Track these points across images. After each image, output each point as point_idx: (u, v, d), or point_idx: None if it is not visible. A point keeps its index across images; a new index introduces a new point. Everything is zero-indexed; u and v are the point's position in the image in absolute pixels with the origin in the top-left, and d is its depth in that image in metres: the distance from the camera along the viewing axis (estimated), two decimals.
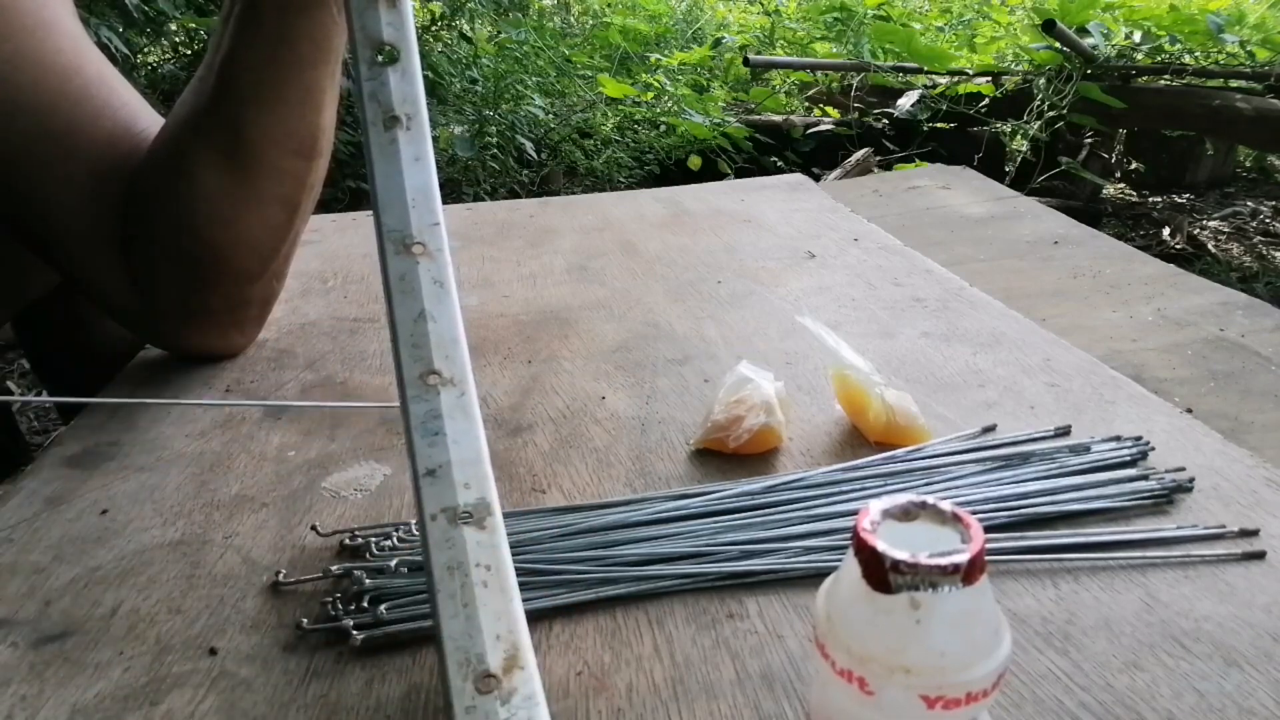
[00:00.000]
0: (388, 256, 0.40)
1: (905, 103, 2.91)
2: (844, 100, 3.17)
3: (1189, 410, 0.65)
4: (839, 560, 0.47)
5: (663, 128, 3.05)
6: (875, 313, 0.81)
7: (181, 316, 0.71)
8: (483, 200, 2.52)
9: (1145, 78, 2.78)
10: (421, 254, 0.41)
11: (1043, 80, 2.73)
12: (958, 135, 2.85)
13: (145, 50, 2.51)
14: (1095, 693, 0.40)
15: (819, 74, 3.34)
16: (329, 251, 1.03)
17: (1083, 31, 2.70)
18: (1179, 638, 0.43)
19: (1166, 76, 2.75)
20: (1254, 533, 0.49)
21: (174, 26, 2.52)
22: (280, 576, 0.48)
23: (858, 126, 2.92)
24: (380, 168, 0.42)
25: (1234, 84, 2.78)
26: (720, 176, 2.75)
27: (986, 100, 2.85)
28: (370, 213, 0.43)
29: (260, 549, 0.51)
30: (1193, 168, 3.27)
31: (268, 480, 0.58)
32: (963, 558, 0.26)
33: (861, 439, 0.60)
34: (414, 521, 0.52)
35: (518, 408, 0.66)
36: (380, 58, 0.43)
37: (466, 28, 3.15)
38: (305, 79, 0.61)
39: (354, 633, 0.43)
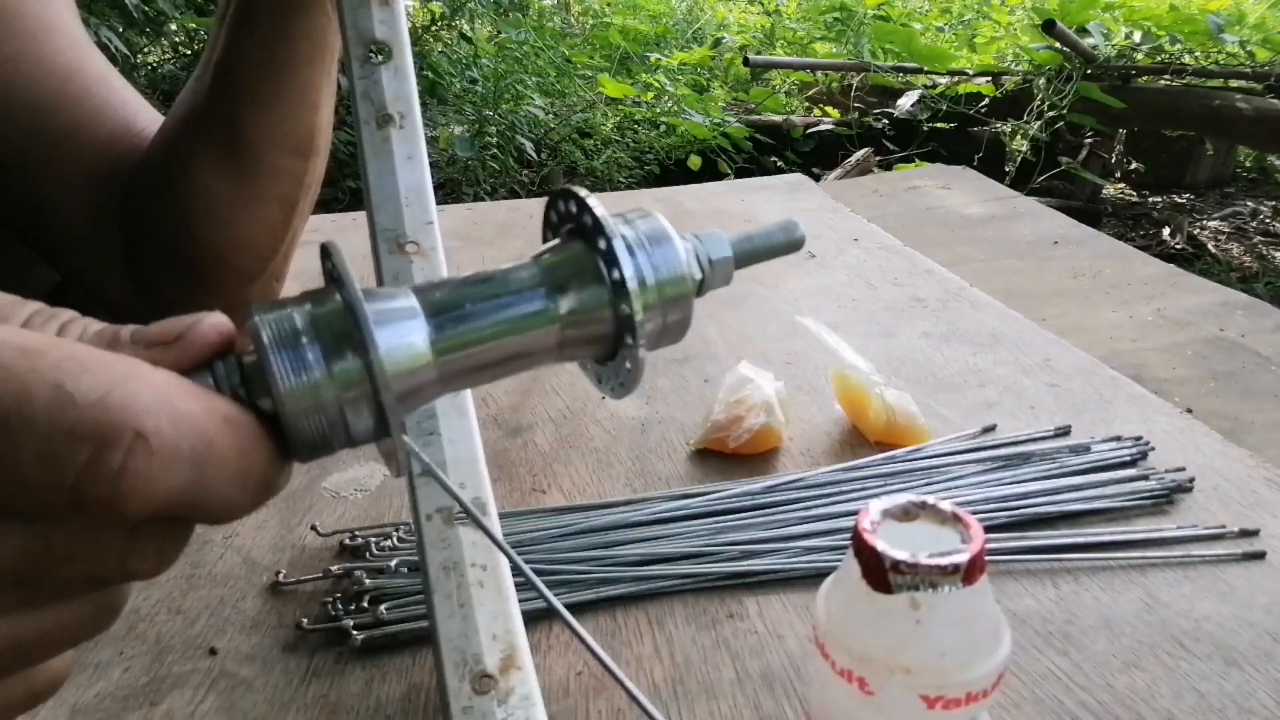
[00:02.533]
0: (381, 255, 0.40)
1: (905, 103, 2.90)
2: (844, 100, 3.17)
3: (1189, 410, 0.65)
4: (839, 560, 0.47)
5: (663, 128, 3.05)
6: (875, 313, 0.81)
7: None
8: (483, 200, 2.52)
9: (1145, 78, 2.77)
10: (415, 253, 0.40)
11: (1043, 80, 2.73)
12: (958, 135, 2.85)
13: (145, 50, 2.51)
14: (1095, 693, 0.40)
15: (819, 74, 3.34)
16: None
17: (1083, 31, 2.70)
18: (1179, 638, 0.43)
19: (1166, 76, 2.75)
20: (1254, 533, 0.49)
21: (174, 26, 2.52)
22: (280, 576, 0.48)
23: (858, 126, 2.92)
24: (373, 166, 0.42)
25: (1234, 84, 2.78)
26: (720, 176, 2.74)
27: (986, 100, 2.85)
28: None
29: (260, 549, 0.51)
30: (1193, 168, 3.27)
31: None
32: (962, 558, 0.26)
33: (861, 439, 0.60)
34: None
35: (518, 408, 0.66)
36: (373, 56, 0.43)
37: (466, 28, 3.15)
38: (301, 77, 0.61)
39: (354, 633, 0.43)
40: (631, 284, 0.23)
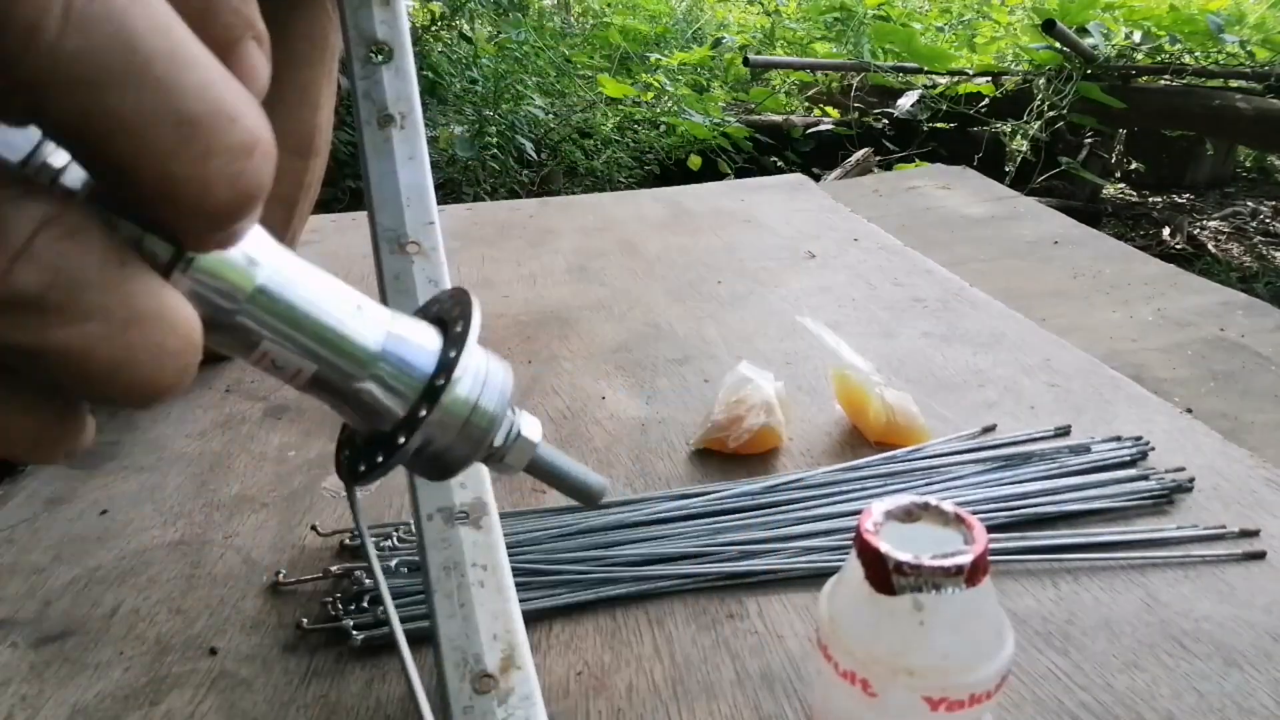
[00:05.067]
0: (382, 255, 0.40)
1: (905, 103, 2.90)
2: (844, 100, 3.17)
3: (1189, 410, 0.65)
4: (839, 560, 0.47)
5: (663, 128, 3.04)
6: (875, 313, 0.81)
7: None
8: (483, 200, 2.51)
9: (1145, 78, 2.77)
10: (416, 253, 0.40)
11: (1043, 80, 2.73)
12: (958, 135, 2.85)
13: None
14: (1095, 693, 0.40)
15: (819, 74, 3.34)
16: (329, 251, 1.03)
17: (1083, 31, 2.70)
18: (1179, 638, 0.43)
19: (1166, 76, 2.75)
20: (1254, 533, 0.49)
21: None
22: (280, 576, 0.48)
23: (858, 126, 2.92)
24: (374, 166, 0.42)
25: (1234, 84, 2.78)
26: (720, 176, 2.74)
27: (986, 100, 2.84)
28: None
29: (260, 549, 0.51)
30: (1193, 168, 3.27)
31: (268, 480, 0.58)
32: (966, 559, 0.26)
33: (861, 439, 0.60)
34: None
35: (518, 408, 0.66)
36: (374, 56, 0.43)
37: (466, 28, 3.15)
38: (302, 78, 0.61)
39: (354, 633, 0.43)
40: (447, 397, 0.22)
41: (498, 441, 0.25)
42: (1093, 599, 0.45)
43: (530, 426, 0.26)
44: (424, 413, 0.22)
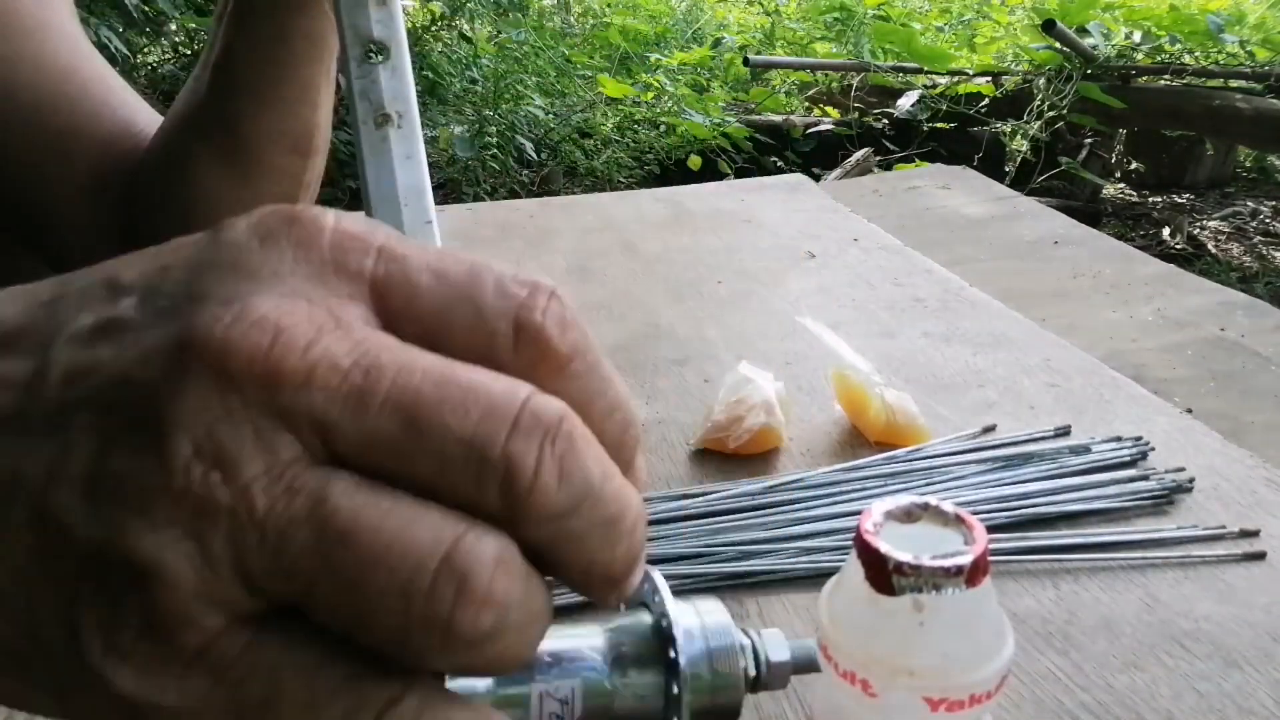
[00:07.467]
0: None
1: (905, 103, 2.90)
2: (844, 100, 3.17)
3: (1189, 410, 0.65)
4: (839, 561, 0.47)
5: (663, 128, 3.04)
6: (875, 313, 0.81)
7: None
8: (483, 200, 2.51)
9: (1145, 78, 2.78)
10: None
11: (1043, 80, 2.73)
12: (958, 135, 2.85)
13: (145, 50, 2.51)
14: (1095, 693, 0.40)
15: (819, 74, 3.34)
16: None
17: (1083, 31, 2.70)
18: (1179, 638, 0.43)
19: (1166, 76, 2.75)
20: (1254, 533, 0.49)
21: (174, 26, 2.52)
22: None
23: (858, 126, 2.92)
24: (371, 166, 0.42)
25: (1234, 84, 2.78)
26: (720, 176, 2.74)
27: (986, 100, 2.85)
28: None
29: None
30: (1193, 168, 3.27)
31: None
32: (966, 559, 0.26)
33: (861, 439, 0.60)
34: None
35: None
36: (371, 56, 0.43)
37: (466, 28, 3.15)
38: (301, 76, 0.61)
39: None
40: (686, 672, 0.26)
41: (752, 671, 0.28)
42: (1093, 599, 0.45)
43: (775, 644, 0.29)
44: (675, 690, 0.25)
